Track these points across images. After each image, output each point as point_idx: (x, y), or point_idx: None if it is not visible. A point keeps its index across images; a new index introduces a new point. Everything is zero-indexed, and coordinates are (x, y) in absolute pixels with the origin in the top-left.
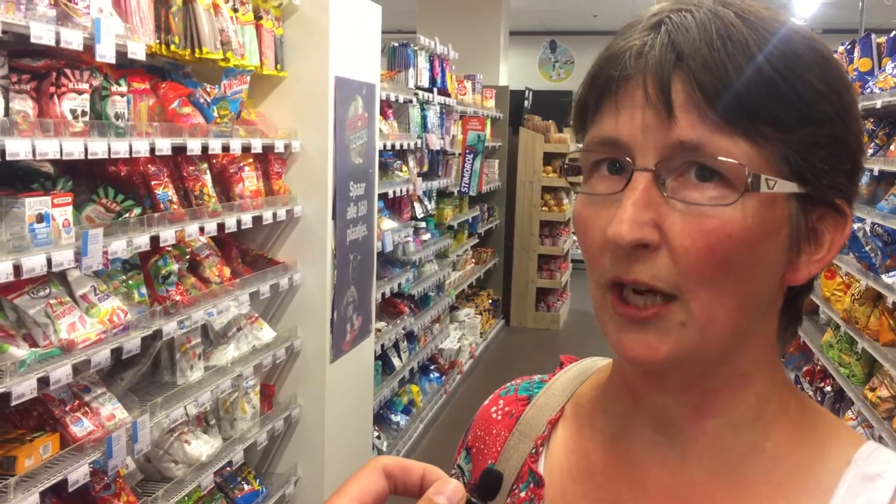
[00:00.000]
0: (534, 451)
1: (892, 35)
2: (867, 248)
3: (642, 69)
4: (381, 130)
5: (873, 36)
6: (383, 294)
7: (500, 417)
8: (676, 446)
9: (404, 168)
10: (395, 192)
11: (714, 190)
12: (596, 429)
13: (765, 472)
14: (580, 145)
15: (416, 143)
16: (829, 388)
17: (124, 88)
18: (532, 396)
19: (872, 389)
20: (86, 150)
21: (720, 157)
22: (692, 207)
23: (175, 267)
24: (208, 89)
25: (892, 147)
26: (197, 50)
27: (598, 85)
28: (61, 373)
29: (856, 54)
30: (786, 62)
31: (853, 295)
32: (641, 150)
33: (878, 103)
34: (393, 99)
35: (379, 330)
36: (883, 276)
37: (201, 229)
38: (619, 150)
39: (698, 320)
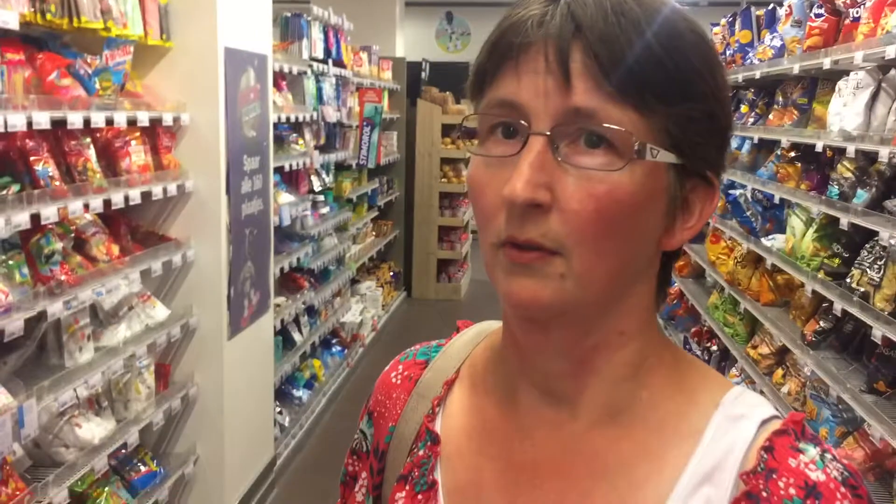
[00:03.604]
0: (430, 411)
1: (770, 8)
2: (748, 213)
3: (543, 37)
4: (275, 103)
5: (753, 9)
6: (282, 269)
7: (399, 382)
8: (562, 403)
9: (300, 141)
10: (291, 166)
11: (603, 157)
12: (489, 388)
13: (642, 419)
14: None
15: (311, 116)
16: (714, 348)
17: None
18: (430, 360)
19: (754, 347)
20: None
21: (610, 125)
22: (583, 172)
23: (59, 246)
24: (89, 60)
25: (770, 116)
26: (75, 19)
27: (499, 51)
28: None
29: (737, 26)
30: (671, 41)
31: (736, 258)
32: (538, 115)
33: (758, 74)
34: (286, 70)
35: (278, 305)
36: (763, 240)
37: (86, 206)
38: (516, 112)
39: (578, 275)
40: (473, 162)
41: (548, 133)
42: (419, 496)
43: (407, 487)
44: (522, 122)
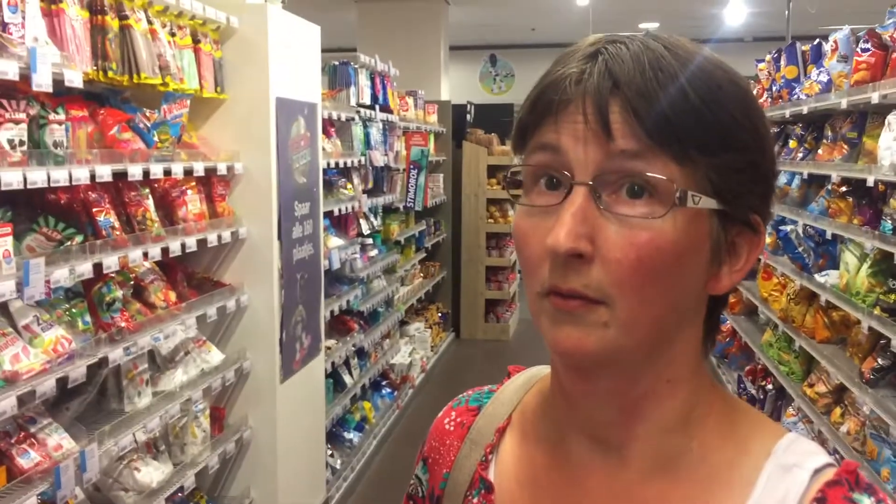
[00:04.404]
0: (483, 458)
1: (815, 43)
2: (800, 249)
3: (582, 94)
4: (324, 149)
5: (798, 44)
6: (332, 312)
7: (452, 428)
8: (611, 451)
9: (349, 185)
10: (340, 210)
11: (645, 206)
12: (540, 436)
13: (692, 470)
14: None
15: (359, 161)
16: (770, 387)
17: (62, 116)
18: (482, 406)
19: (811, 385)
20: (25, 179)
21: (652, 174)
22: (625, 220)
23: (119, 293)
24: (148, 114)
25: (820, 151)
26: (135, 75)
27: (540, 108)
28: (6, 405)
29: (782, 62)
30: (710, 93)
31: (789, 295)
32: (580, 165)
33: (805, 109)
34: (335, 117)
35: (329, 348)
36: (816, 276)
37: (145, 254)
38: (557, 159)
39: (622, 323)
40: (518, 212)
41: (590, 183)
42: None
43: None
44: (566, 172)
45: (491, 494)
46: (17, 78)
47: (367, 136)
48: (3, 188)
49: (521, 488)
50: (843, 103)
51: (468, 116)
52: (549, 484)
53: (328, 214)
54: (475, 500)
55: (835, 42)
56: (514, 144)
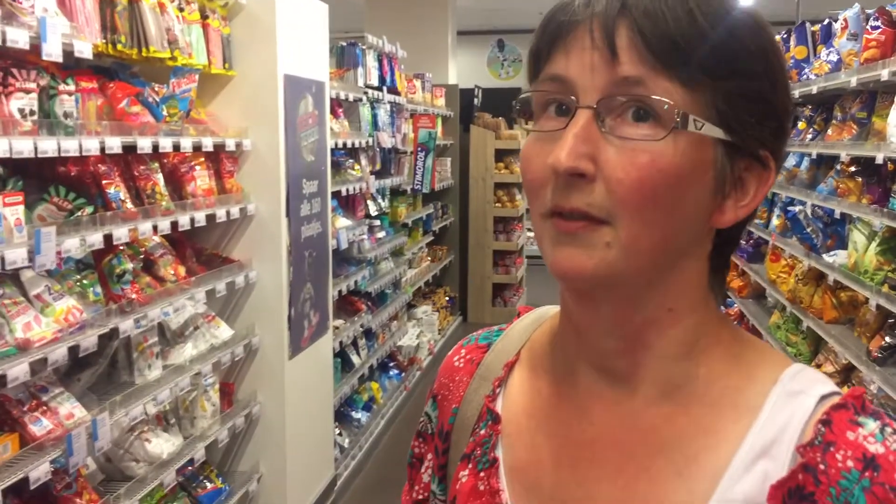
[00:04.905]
0: (491, 392)
1: (825, 23)
2: (809, 230)
3: (590, 15)
4: (332, 129)
5: (808, 24)
6: (340, 292)
7: (462, 365)
8: (618, 381)
9: (356, 166)
10: (348, 191)
11: (648, 129)
12: (547, 369)
13: (698, 395)
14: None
15: (367, 142)
16: None
17: (72, 87)
18: (491, 343)
19: (819, 366)
20: (35, 148)
21: (654, 96)
22: (627, 142)
23: (129, 266)
24: (157, 88)
25: (829, 132)
26: (144, 49)
27: (549, 31)
28: (18, 371)
29: (792, 43)
30: (719, 17)
31: (797, 276)
32: (585, 89)
33: (814, 89)
34: (343, 97)
35: (337, 327)
36: (824, 256)
37: (154, 228)
38: (565, 87)
39: (624, 244)
40: (528, 138)
41: (594, 106)
42: (481, 473)
43: (470, 466)
44: (572, 97)
45: (498, 425)
46: (27, 47)
47: (374, 117)
48: (14, 156)
49: (528, 418)
50: (853, 81)
51: (476, 101)
52: (556, 413)
53: (336, 195)
54: (482, 432)
55: (845, 20)
56: (528, 73)
